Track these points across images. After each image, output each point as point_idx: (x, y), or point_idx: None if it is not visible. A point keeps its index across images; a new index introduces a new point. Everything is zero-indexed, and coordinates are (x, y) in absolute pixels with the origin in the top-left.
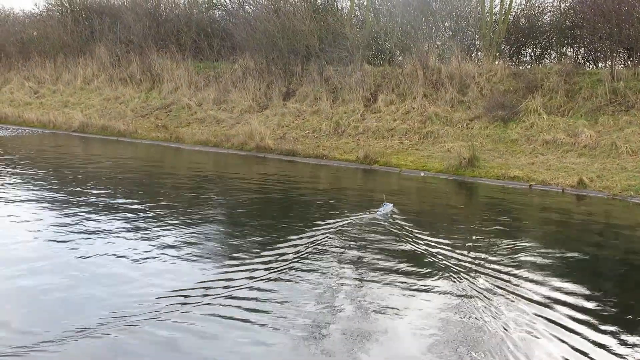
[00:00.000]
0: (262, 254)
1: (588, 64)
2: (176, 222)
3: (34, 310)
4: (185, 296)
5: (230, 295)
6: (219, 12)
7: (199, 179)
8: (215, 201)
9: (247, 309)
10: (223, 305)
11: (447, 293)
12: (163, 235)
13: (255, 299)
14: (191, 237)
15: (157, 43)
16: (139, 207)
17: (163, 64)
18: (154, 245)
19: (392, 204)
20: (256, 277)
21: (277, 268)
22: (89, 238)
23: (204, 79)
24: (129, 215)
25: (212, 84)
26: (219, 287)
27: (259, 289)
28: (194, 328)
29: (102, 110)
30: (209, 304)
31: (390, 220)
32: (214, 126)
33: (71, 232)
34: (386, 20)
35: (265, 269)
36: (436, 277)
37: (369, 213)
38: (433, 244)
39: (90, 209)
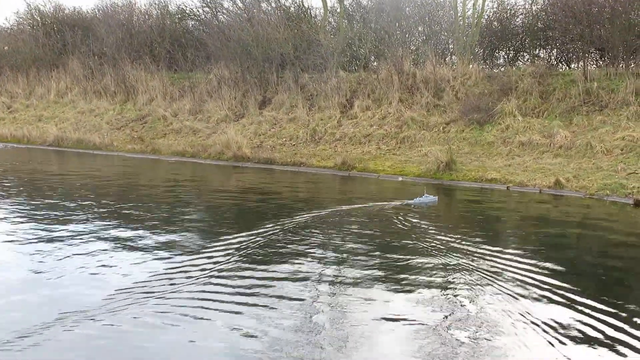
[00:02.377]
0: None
1: (561, 65)
2: (149, 230)
3: None
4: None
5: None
6: (192, 22)
7: (175, 190)
8: (191, 210)
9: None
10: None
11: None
12: (132, 239)
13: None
14: (164, 242)
15: (130, 54)
16: (108, 216)
17: (137, 76)
18: (117, 248)
19: (436, 197)
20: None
21: (244, 250)
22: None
23: (179, 90)
24: (98, 223)
25: (187, 94)
26: (182, 283)
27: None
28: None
29: (76, 123)
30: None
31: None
32: (190, 136)
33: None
34: (360, 26)
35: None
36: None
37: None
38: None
39: (61, 218)
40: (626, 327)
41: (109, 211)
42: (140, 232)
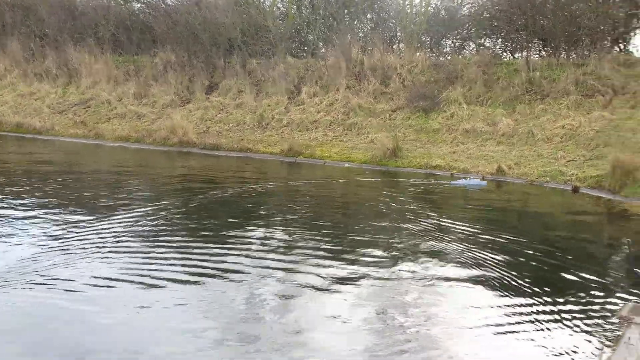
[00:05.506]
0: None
1: (505, 54)
2: (87, 216)
3: None
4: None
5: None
6: (139, 5)
7: (119, 174)
8: (134, 195)
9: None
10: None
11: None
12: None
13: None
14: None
15: (73, 37)
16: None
17: (80, 58)
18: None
19: (484, 182)
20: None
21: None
22: None
23: (123, 73)
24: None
25: (132, 78)
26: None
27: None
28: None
29: (16, 106)
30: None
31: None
32: (135, 121)
33: None
34: (308, 13)
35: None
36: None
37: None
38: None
39: None
40: (564, 309)
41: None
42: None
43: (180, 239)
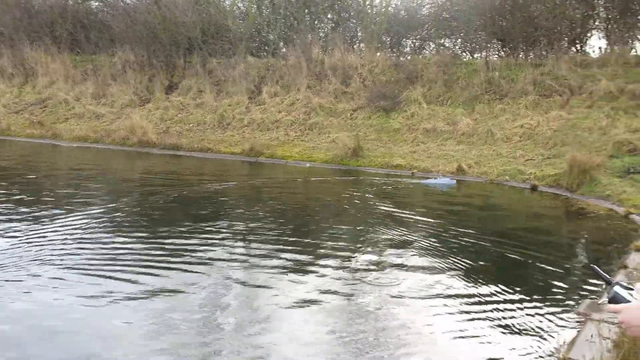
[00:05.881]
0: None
1: (465, 54)
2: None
3: None
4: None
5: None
6: (96, 3)
7: (76, 175)
8: (91, 194)
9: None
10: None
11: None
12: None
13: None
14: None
15: (29, 35)
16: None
17: (37, 57)
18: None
19: (454, 181)
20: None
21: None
22: None
23: (81, 73)
24: None
25: (90, 77)
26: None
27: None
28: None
29: None
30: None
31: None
32: (93, 121)
33: None
34: (269, 12)
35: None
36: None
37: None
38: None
39: None
40: (522, 306)
41: None
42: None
43: (137, 239)
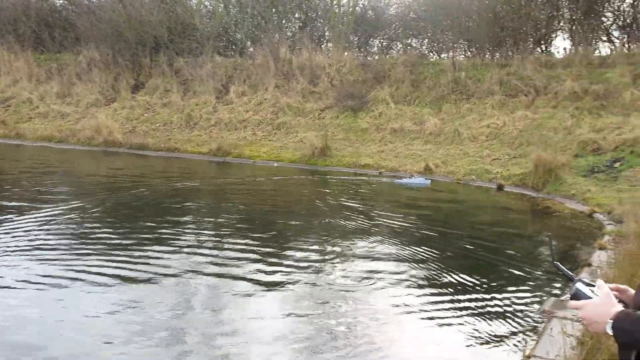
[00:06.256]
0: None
1: (432, 54)
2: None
3: None
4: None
5: None
6: (61, 1)
7: (40, 174)
8: (54, 194)
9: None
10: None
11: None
12: None
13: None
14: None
15: None
16: None
17: None
18: None
19: (428, 181)
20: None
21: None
22: None
23: (45, 72)
24: None
25: (54, 76)
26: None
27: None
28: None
29: None
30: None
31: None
32: (58, 121)
33: None
34: (236, 11)
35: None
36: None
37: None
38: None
39: None
40: (489, 303)
41: None
42: None
43: (100, 239)
